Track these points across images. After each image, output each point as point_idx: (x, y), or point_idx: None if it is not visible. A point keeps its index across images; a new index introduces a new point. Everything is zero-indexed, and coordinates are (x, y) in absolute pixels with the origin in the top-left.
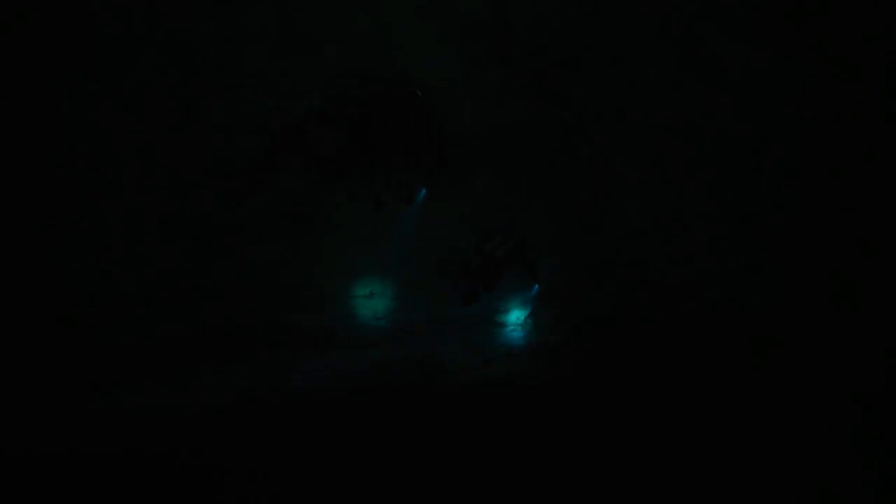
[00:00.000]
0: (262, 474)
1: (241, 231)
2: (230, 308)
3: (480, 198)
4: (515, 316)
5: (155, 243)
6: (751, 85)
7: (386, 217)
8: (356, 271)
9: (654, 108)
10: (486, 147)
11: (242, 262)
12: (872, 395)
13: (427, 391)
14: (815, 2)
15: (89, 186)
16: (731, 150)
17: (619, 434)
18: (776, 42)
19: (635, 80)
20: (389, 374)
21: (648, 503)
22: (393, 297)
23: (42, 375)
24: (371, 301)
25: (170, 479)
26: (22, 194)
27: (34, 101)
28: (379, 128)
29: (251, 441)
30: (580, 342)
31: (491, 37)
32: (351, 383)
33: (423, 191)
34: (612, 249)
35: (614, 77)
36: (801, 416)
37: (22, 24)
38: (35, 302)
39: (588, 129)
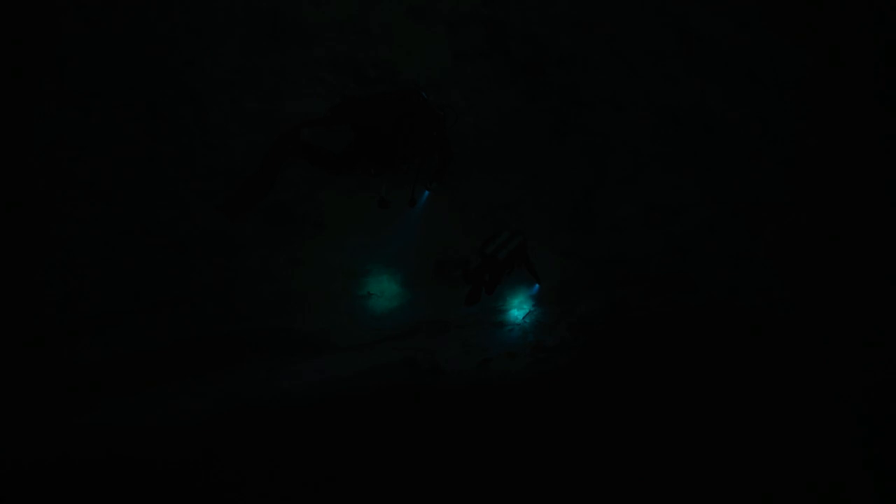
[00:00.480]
0: (258, 480)
1: (230, 235)
2: (222, 314)
3: (480, 197)
4: (514, 316)
5: (137, 252)
6: (749, 74)
7: (383, 218)
8: (352, 273)
9: (650, 97)
10: (483, 144)
11: (234, 267)
12: (872, 394)
13: (425, 392)
14: None
15: (68, 195)
16: (728, 140)
17: (618, 433)
18: (776, 30)
19: (631, 69)
20: (387, 375)
21: (647, 501)
22: (390, 297)
23: (24, 389)
24: (368, 302)
25: (165, 490)
26: None
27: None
28: (385, 129)
29: (247, 447)
30: (578, 341)
31: (484, 27)
32: (348, 385)
33: (427, 193)
34: (606, 244)
35: (610, 66)
36: (800, 415)
37: None
38: (15, 315)
39: (582, 121)
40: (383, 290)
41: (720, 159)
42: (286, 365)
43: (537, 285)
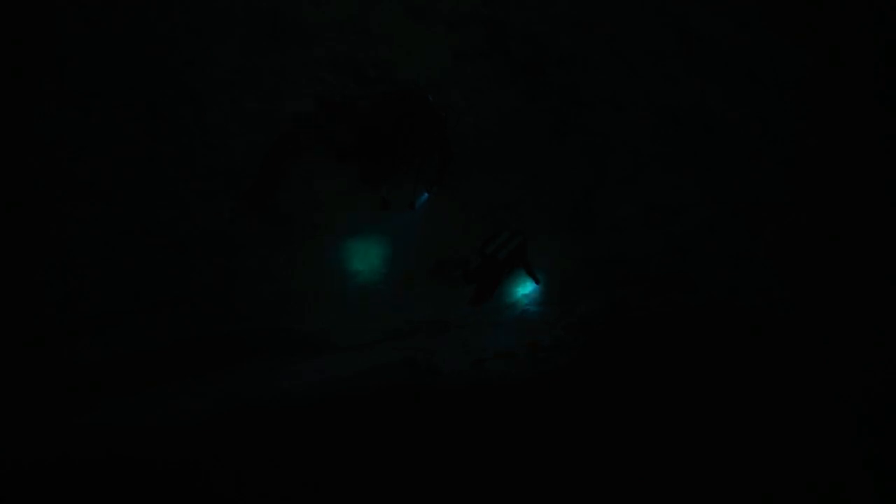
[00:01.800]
0: (258, 480)
1: (230, 235)
2: (222, 314)
3: (480, 197)
4: (511, 315)
5: (137, 252)
6: (749, 74)
7: (383, 218)
8: (352, 273)
9: (650, 97)
10: (483, 144)
11: (234, 267)
12: (872, 394)
13: (425, 392)
14: None
15: (68, 195)
16: (728, 140)
17: (618, 432)
18: (776, 30)
19: (631, 69)
20: (387, 375)
21: (647, 501)
22: (390, 297)
23: (24, 389)
24: (368, 302)
25: (165, 490)
26: None
27: None
28: (385, 129)
29: (247, 447)
30: (578, 341)
31: (484, 27)
32: (348, 385)
33: (426, 195)
34: (606, 244)
35: (610, 66)
36: (800, 415)
37: None
38: (15, 315)
39: (582, 121)
40: (383, 290)
41: (720, 159)
42: (286, 365)
43: (536, 285)
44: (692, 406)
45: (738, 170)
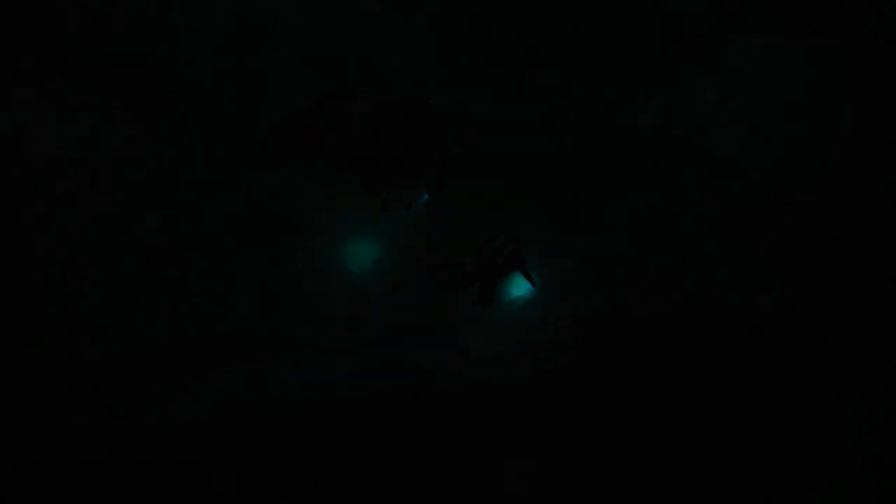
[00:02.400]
0: (258, 480)
1: (230, 235)
2: (222, 314)
3: (478, 197)
4: (511, 315)
5: (137, 252)
6: (743, 72)
7: (382, 218)
8: (351, 273)
9: (648, 97)
10: (479, 145)
11: (234, 267)
12: (872, 394)
13: (425, 392)
14: None
15: (69, 195)
16: (724, 140)
17: (618, 432)
18: (771, 27)
19: (627, 68)
20: (387, 375)
21: (647, 501)
22: (390, 297)
23: (24, 389)
24: (368, 302)
25: (165, 490)
26: None
27: None
28: (385, 129)
29: (247, 447)
30: (578, 341)
31: (469, 26)
32: (348, 385)
33: (426, 197)
34: (606, 244)
35: (604, 66)
36: (800, 415)
37: None
38: (15, 315)
39: (576, 121)
40: (381, 290)
41: (720, 159)
42: (286, 365)
43: (533, 287)
44: (692, 406)
45: (738, 170)
